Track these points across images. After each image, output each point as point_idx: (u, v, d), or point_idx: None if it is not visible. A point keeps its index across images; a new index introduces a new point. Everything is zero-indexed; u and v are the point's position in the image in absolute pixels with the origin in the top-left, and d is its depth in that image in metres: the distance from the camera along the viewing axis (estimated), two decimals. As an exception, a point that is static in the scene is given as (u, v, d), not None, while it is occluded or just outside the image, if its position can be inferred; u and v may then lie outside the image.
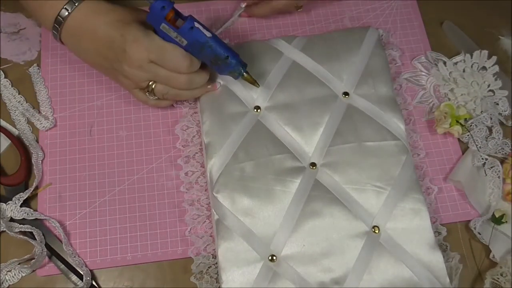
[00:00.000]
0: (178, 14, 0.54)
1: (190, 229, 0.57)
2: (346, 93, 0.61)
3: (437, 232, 0.58)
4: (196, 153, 0.60)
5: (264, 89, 0.61)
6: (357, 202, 0.56)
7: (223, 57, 0.55)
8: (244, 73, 0.58)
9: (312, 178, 0.57)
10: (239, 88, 0.61)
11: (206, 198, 0.58)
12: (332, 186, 0.56)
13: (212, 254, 0.56)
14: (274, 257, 0.53)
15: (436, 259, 0.54)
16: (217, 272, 0.54)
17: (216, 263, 0.55)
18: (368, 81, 0.62)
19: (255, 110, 0.60)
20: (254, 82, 0.59)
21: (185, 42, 0.53)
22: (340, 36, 0.65)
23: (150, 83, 0.56)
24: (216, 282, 0.55)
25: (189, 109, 0.63)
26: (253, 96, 0.61)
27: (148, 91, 0.57)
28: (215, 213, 0.55)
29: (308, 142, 0.59)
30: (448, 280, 0.54)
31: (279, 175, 0.56)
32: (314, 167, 0.57)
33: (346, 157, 0.57)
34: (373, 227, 0.55)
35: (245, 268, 0.53)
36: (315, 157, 0.58)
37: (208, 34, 0.53)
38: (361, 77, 0.62)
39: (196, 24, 0.53)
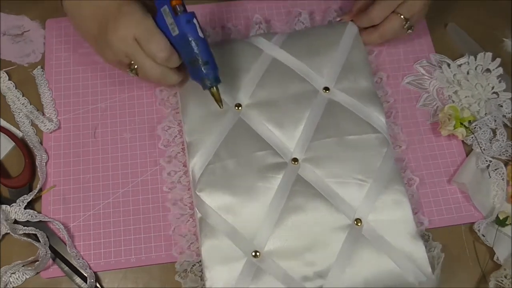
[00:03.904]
0: (183, 6, 0.53)
1: (174, 228, 0.57)
2: (326, 88, 0.61)
3: (419, 223, 0.58)
4: (178, 152, 0.60)
5: (245, 86, 0.61)
6: (339, 195, 0.56)
7: (203, 61, 0.53)
8: (214, 87, 0.55)
9: (294, 174, 0.56)
10: (220, 86, 0.60)
11: (189, 197, 0.58)
12: (314, 181, 0.56)
13: (196, 253, 0.56)
14: (258, 253, 0.53)
15: (418, 249, 0.54)
16: (201, 270, 0.54)
17: (200, 261, 0.54)
18: (348, 76, 0.62)
19: (236, 107, 0.60)
20: (219, 101, 0.55)
21: (176, 32, 0.53)
22: (319, 32, 0.65)
23: (132, 62, 0.56)
24: (201, 280, 0.55)
25: (171, 110, 0.63)
26: (234, 94, 0.60)
27: (131, 69, 0.56)
28: (198, 211, 0.55)
29: (290, 138, 0.58)
30: (429, 269, 0.54)
31: (261, 172, 0.56)
32: (296, 163, 0.57)
33: (328, 151, 0.57)
34: (356, 219, 0.55)
35: (229, 265, 0.53)
36: (297, 152, 0.58)
37: (201, 35, 0.53)
38: (342, 71, 0.62)
39: (194, 21, 0.53)
